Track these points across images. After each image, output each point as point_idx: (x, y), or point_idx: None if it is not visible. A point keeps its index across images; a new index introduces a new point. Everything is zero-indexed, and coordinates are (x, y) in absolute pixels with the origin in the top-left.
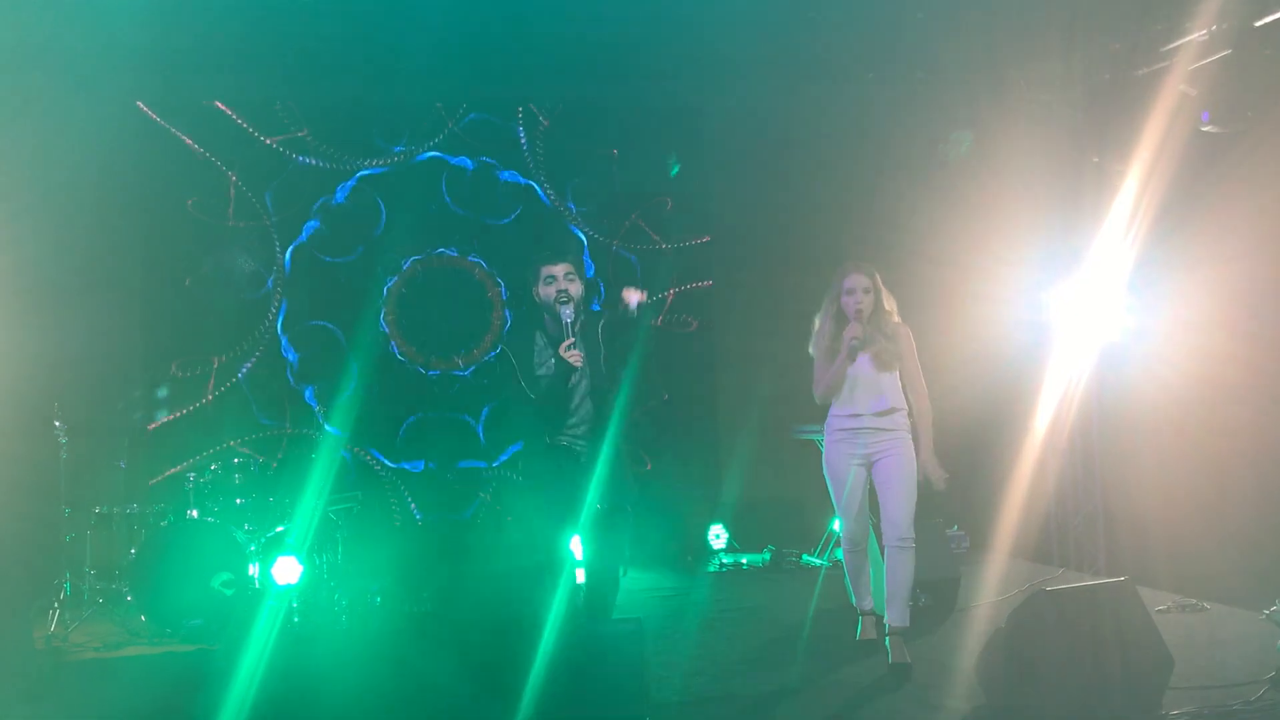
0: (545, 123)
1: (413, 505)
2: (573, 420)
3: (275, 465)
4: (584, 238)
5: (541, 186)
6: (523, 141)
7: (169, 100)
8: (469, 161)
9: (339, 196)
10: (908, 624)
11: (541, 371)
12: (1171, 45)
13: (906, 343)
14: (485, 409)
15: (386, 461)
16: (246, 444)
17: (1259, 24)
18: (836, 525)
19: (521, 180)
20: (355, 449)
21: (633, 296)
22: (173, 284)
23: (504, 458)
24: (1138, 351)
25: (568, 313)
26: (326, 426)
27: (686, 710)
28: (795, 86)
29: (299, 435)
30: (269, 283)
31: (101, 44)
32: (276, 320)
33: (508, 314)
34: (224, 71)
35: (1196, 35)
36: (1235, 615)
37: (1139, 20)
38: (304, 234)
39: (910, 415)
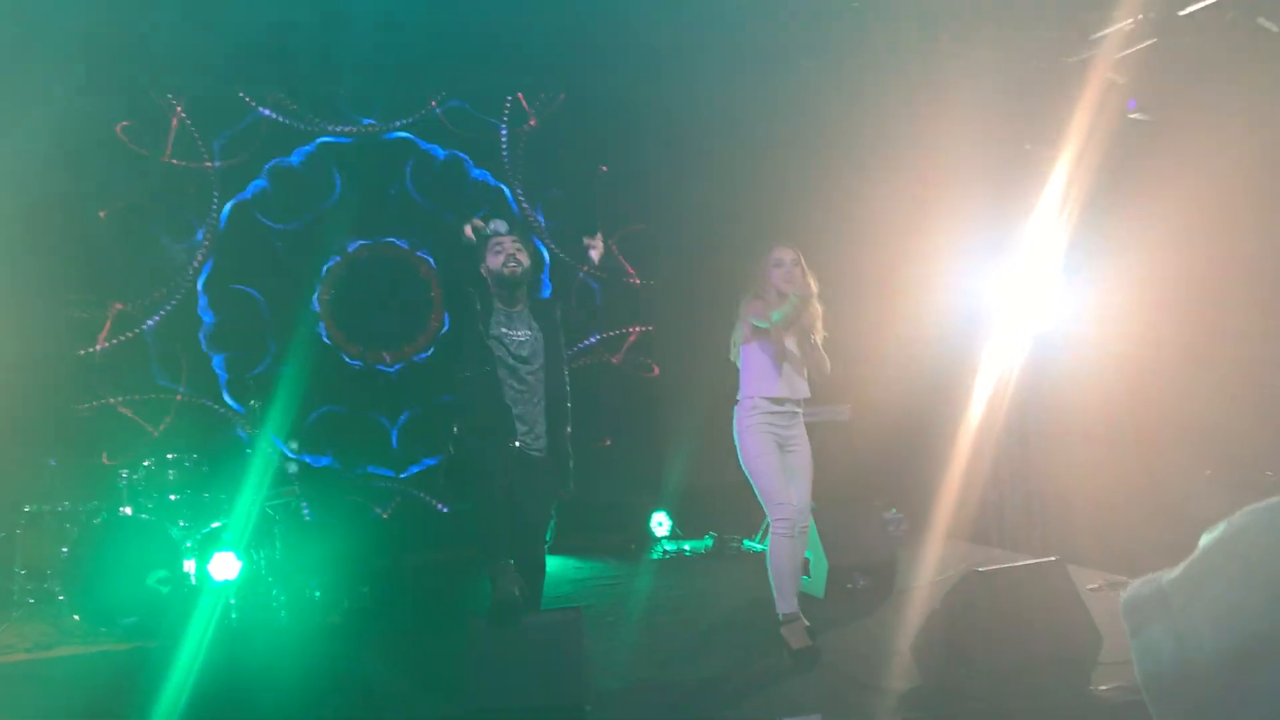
0: (533, 122)
1: (304, 503)
2: (522, 413)
3: (158, 432)
4: (548, 255)
5: (514, 191)
6: (504, 139)
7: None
8: (440, 150)
9: (294, 159)
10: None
11: (493, 331)
12: (1100, 34)
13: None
14: (405, 414)
15: (285, 450)
16: (129, 404)
17: (1183, 13)
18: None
19: (492, 181)
20: (252, 430)
21: (594, 248)
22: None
23: (414, 469)
24: (1069, 336)
25: (500, 225)
26: (228, 399)
27: (627, 697)
28: (731, 75)
29: (193, 403)
30: (199, 234)
31: None
32: (199, 277)
33: (446, 317)
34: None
35: (1123, 24)
36: None
37: (1069, 9)
38: (248, 191)
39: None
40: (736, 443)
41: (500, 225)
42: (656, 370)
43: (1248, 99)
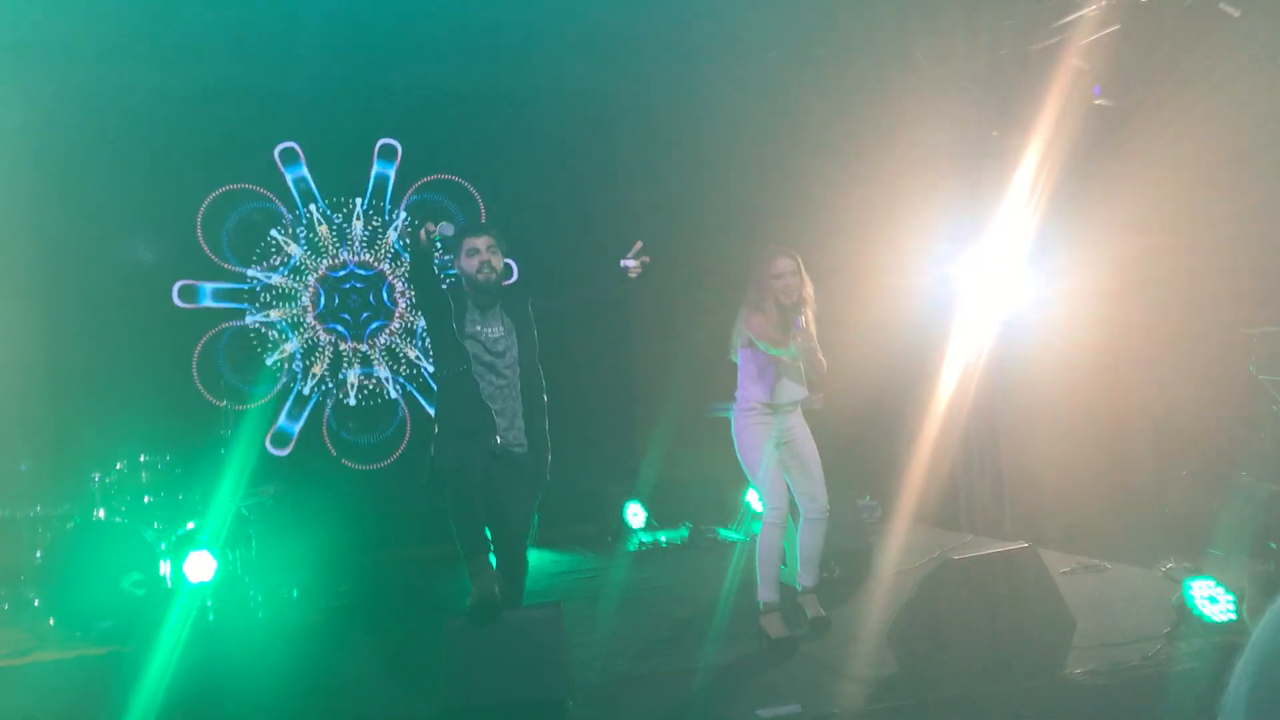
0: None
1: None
2: (501, 408)
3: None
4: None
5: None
6: None
7: None
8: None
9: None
10: (819, 583)
11: (467, 330)
12: (1064, 20)
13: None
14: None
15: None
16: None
17: None
18: (752, 497)
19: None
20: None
21: (632, 267)
22: (78, 282)
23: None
24: (1038, 321)
25: (446, 228)
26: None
27: (607, 690)
28: (698, 66)
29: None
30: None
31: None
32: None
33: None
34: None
35: (1088, 10)
36: (1134, 574)
37: None
38: None
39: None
40: (734, 439)
41: (446, 228)
42: None
43: (1211, 84)
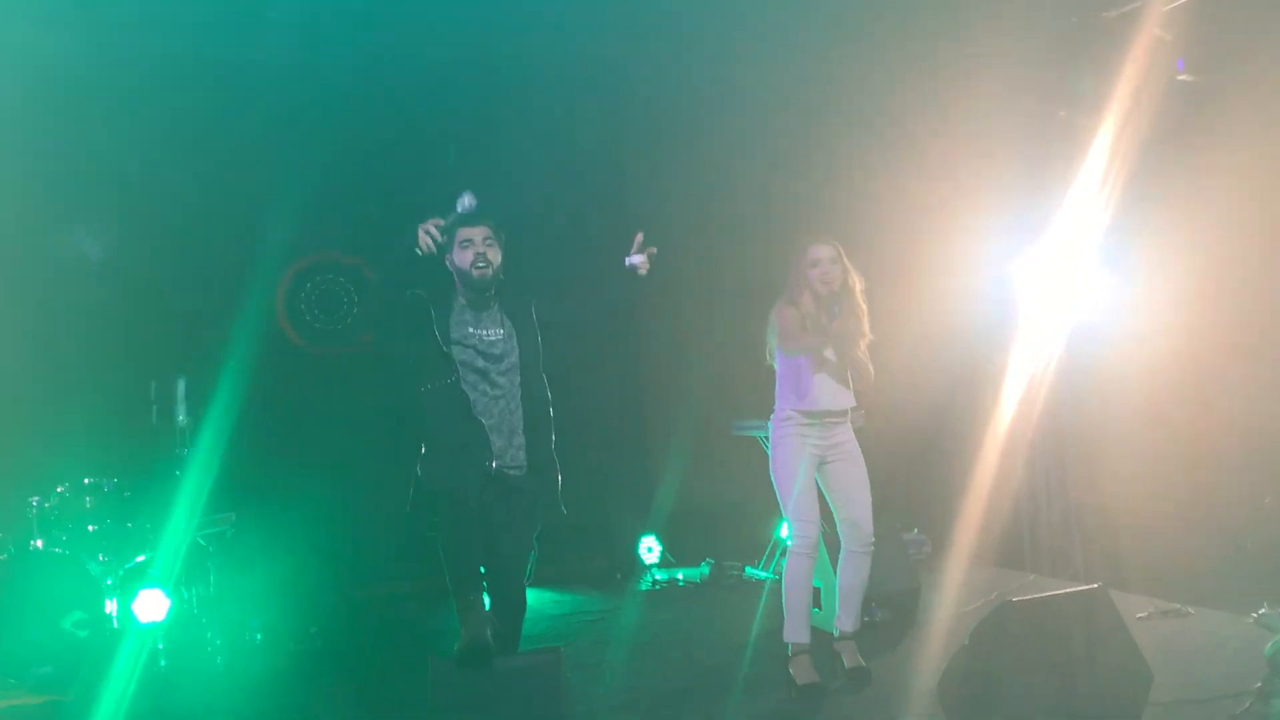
0: None
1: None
2: (497, 424)
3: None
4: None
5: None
6: None
7: None
8: None
9: None
10: (859, 628)
11: (455, 335)
12: None
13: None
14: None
15: None
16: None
17: None
18: (785, 532)
19: None
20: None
21: (640, 263)
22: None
23: None
24: (1111, 329)
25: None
26: None
27: None
28: (725, 42)
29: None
30: None
31: None
32: None
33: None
34: None
35: None
36: (1220, 619)
37: None
38: None
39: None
40: (769, 456)
41: (468, 200)
42: None
43: None
